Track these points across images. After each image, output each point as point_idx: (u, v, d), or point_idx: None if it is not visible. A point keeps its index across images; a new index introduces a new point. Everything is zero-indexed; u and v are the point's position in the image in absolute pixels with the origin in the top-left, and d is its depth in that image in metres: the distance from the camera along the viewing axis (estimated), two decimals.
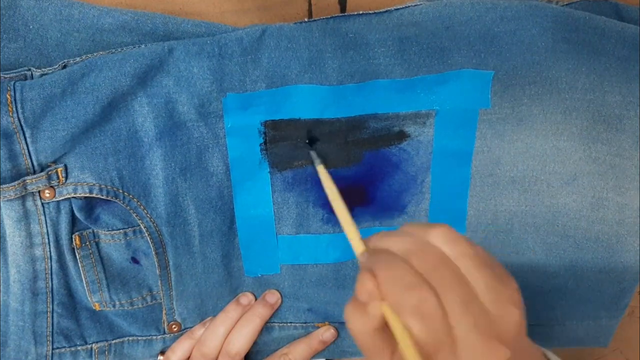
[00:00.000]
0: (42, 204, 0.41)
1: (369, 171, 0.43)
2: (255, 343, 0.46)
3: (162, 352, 0.47)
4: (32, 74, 0.40)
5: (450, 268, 0.28)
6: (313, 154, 0.41)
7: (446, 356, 0.27)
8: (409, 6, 0.40)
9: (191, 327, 0.46)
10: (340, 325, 0.48)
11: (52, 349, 0.45)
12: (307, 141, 0.42)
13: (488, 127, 0.42)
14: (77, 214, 0.42)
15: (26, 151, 0.39)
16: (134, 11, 0.41)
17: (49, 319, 0.44)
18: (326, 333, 0.47)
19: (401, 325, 0.27)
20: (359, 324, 0.29)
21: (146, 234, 0.42)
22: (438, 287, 0.28)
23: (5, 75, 0.39)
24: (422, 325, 0.27)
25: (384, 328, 0.29)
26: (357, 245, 0.32)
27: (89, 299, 0.44)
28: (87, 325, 0.45)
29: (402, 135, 0.42)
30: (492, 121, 0.42)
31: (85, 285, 0.44)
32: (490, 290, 0.28)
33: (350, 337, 0.47)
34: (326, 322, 0.48)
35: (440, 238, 0.29)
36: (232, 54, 0.40)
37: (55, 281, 0.43)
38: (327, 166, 0.42)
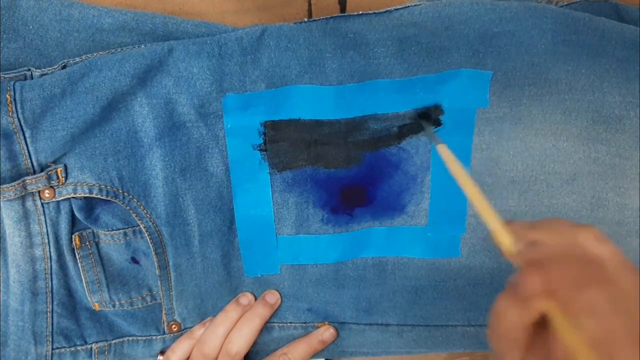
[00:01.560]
0: (42, 204, 0.41)
1: (369, 171, 0.43)
2: (255, 343, 0.46)
3: (162, 352, 0.47)
4: (32, 74, 0.40)
5: (604, 270, 0.28)
6: (429, 128, 0.39)
7: (605, 356, 0.27)
8: (409, 6, 0.40)
9: (191, 327, 0.46)
10: (340, 325, 0.48)
11: (52, 349, 0.45)
12: (422, 118, 0.40)
13: (486, 126, 0.42)
14: (77, 214, 0.42)
15: (26, 151, 0.39)
16: (134, 11, 0.41)
17: (49, 319, 0.44)
18: (326, 333, 0.47)
19: (570, 323, 0.27)
20: (514, 317, 0.28)
21: (146, 234, 0.42)
22: (601, 286, 0.27)
23: (5, 75, 0.39)
24: (593, 324, 0.26)
25: (533, 325, 0.28)
26: (503, 235, 0.31)
27: (88, 299, 0.44)
28: (87, 325, 0.45)
29: (401, 135, 0.42)
30: (491, 120, 0.42)
31: (85, 285, 0.44)
32: (637, 293, 0.28)
33: (350, 337, 0.48)
34: (326, 322, 0.48)
35: (590, 238, 0.29)
36: (232, 54, 0.40)
37: (55, 281, 0.43)
38: (327, 166, 0.42)
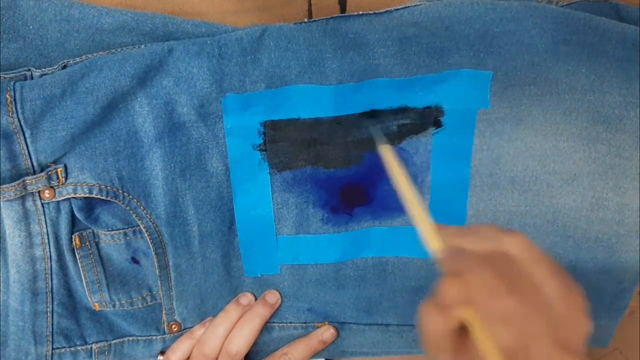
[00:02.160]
0: (42, 204, 0.41)
1: (369, 171, 0.43)
2: (255, 343, 0.46)
3: (162, 352, 0.47)
4: (32, 74, 0.40)
5: (526, 276, 0.29)
6: (374, 129, 0.39)
7: None
8: (409, 6, 0.40)
9: (191, 327, 0.46)
10: (340, 325, 0.48)
11: (52, 349, 0.45)
12: (369, 118, 0.40)
13: (487, 126, 0.42)
14: (77, 214, 0.42)
15: (26, 151, 0.40)
16: (133, 11, 0.41)
17: (49, 319, 0.44)
18: (326, 333, 0.47)
19: (486, 331, 0.27)
20: (436, 325, 0.29)
21: (146, 234, 0.42)
22: (518, 294, 0.28)
23: (5, 75, 0.39)
24: (507, 333, 0.27)
25: (457, 330, 0.29)
26: (433, 240, 0.32)
27: (88, 299, 0.44)
28: (87, 325, 0.45)
29: (401, 135, 0.42)
30: (491, 120, 0.42)
31: (85, 285, 0.44)
32: (563, 299, 0.28)
33: (350, 337, 0.48)
34: (326, 322, 0.48)
35: (515, 245, 0.30)
36: (231, 54, 0.40)
37: (55, 281, 0.43)
38: (327, 166, 0.42)
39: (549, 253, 0.45)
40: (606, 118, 0.41)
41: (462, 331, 0.29)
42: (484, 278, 0.28)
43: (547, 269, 0.29)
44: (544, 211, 0.44)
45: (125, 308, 0.45)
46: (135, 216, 0.42)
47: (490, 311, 0.28)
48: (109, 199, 0.41)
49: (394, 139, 0.42)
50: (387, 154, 0.36)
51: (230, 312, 0.46)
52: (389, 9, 0.40)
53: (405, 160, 0.43)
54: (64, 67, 0.40)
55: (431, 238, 0.32)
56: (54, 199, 0.41)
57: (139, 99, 0.40)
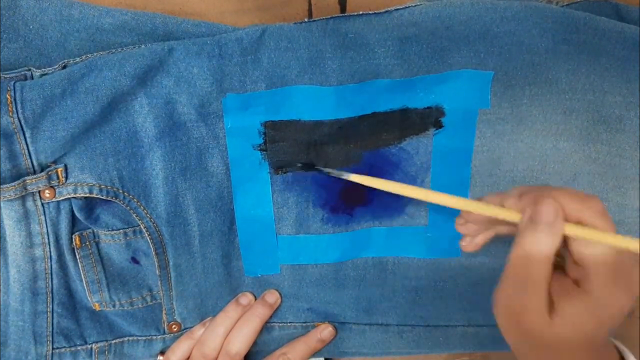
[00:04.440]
0: (42, 204, 0.41)
1: (369, 170, 0.43)
2: (255, 343, 0.46)
3: (162, 352, 0.47)
4: (32, 74, 0.40)
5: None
6: (329, 171, 0.41)
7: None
8: (409, 6, 0.40)
9: (191, 327, 0.46)
10: (340, 325, 0.48)
11: (52, 349, 0.45)
12: (304, 164, 0.42)
13: (488, 127, 0.42)
14: (77, 214, 0.42)
15: (26, 151, 0.40)
16: (133, 11, 0.41)
17: (49, 319, 0.44)
18: (324, 331, 0.47)
19: (598, 229, 0.29)
20: (546, 245, 0.30)
21: (146, 234, 0.42)
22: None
23: (5, 75, 0.39)
24: (612, 224, 0.30)
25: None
26: (503, 211, 0.33)
27: (89, 299, 0.44)
28: (87, 325, 0.45)
29: (401, 135, 0.42)
30: (492, 121, 0.42)
31: (85, 285, 0.44)
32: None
33: (350, 337, 0.48)
34: (326, 322, 0.47)
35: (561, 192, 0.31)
36: (232, 54, 0.40)
37: (55, 281, 0.43)
38: (327, 166, 0.42)
39: None
40: (606, 118, 0.41)
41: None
42: (566, 191, 0.30)
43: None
44: None
45: (125, 308, 0.45)
46: (136, 216, 0.42)
47: (590, 212, 0.30)
48: (109, 198, 0.41)
49: (394, 139, 0.42)
50: (364, 179, 0.37)
51: (230, 312, 0.46)
52: (389, 9, 0.40)
53: (405, 160, 0.43)
54: (64, 67, 0.40)
55: (501, 211, 0.33)
56: (54, 199, 0.41)
57: (139, 98, 0.40)
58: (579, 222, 0.30)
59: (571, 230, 0.30)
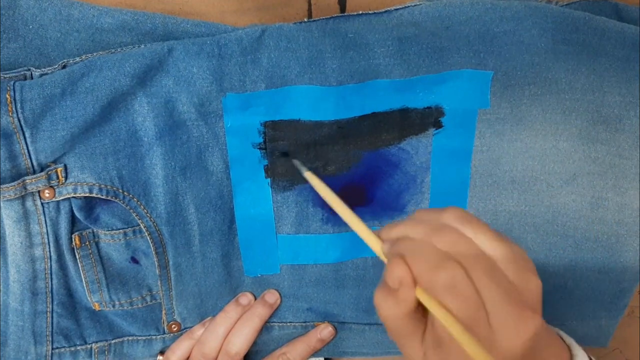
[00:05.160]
0: (42, 204, 0.41)
1: (369, 170, 0.43)
2: (254, 343, 0.46)
3: (162, 352, 0.47)
4: (32, 74, 0.40)
5: (469, 244, 0.29)
6: (296, 162, 0.40)
7: (481, 330, 0.27)
8: (408, 6, 0.40)
9: (191, 327, 0.46)
10: (340, 325, 0.48)
11: (52, 348, 0.45)
12: (283, 153, 0.42)
13: (487, 127, 0.42)
14: (77, 214, 0.42)
15: (26, 151, 0.39)
16: (133, 11, 0.41)
17: (49, 319, 0.44)
18: (324, 331, 0.47)
19: (440, 305, 0.28)
20: (391, 310, 0.29)
21: (146, 234, 0.42)
22: (463, 262, 0.28)
23: (5, 75, 0.39)
24: (458, 301, 0.27)
25: (415, 312, 0.29)
26: (373, 241, 0.32)
27: (88, 299, 0.44)
28: (87, 325, 0.45)
29: (401, 135, 0.42)
30: (492, 121, 0.42)
31: (85, 285, 0.44)
32: (509, 261, 0.29)
33: (350, 337, 0.48)
34: (326, 322, 0.47)
35: (454, 218, 0.30)
36: (231, 54, 0.40)
37: (55, 281, 0.43)
38: (327, 166, 0.42)
39: (549, 253, 0.45)
40: (606, 118, 0.41)
41: (425, 312, 0.29)
42: (424, 254, 0.28)
43: (489, 235, 0.29)
44: (544, 211, 0.44)
45: (125, 308, 0.45)
46: (136, 215, 0.42)
47: (435, 285, 0.28)
48: (109, 198, 0.41)
49: (394, 139, 0.42)
50: (313, 179, 0.37)
51: (230, 312, 0.46)
52: (388, 8, 0.40)
53: (405, 160, 0.43)
54: (64, 66, 0.40)
55: (370, 239, 0.32)
56: (53, 199, 0.41)
57: (138, 98, 0.40)
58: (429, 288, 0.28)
59: (422, 296, 0.28)
